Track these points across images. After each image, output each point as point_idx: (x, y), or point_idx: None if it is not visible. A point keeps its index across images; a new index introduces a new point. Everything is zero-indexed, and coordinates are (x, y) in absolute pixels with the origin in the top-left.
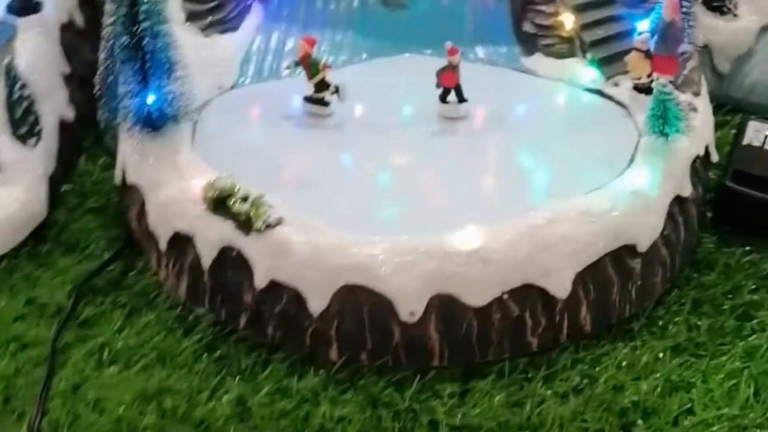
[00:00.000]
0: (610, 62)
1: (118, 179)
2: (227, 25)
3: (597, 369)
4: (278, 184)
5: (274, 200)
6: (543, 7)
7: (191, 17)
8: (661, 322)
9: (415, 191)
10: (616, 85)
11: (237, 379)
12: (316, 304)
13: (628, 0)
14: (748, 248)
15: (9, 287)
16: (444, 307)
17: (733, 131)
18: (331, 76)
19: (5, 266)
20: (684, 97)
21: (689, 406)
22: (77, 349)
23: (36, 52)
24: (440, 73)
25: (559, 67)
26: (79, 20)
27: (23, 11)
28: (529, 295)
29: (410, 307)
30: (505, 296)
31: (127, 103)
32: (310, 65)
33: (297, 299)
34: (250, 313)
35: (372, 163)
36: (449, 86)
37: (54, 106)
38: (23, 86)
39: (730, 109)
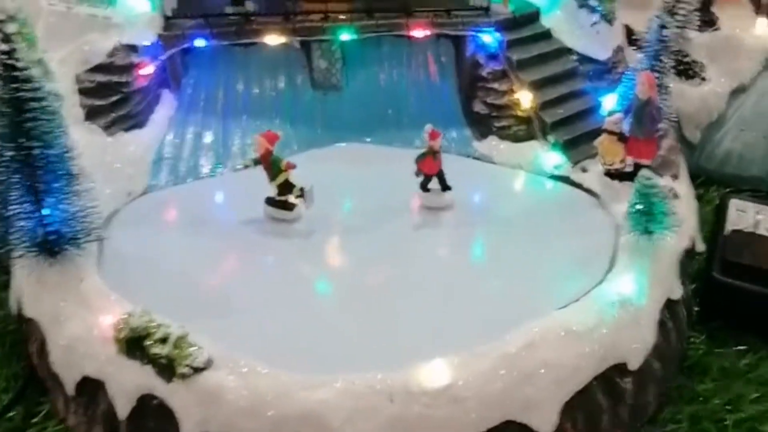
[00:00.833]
0: (576, 145)
1: (13, 310)
2: (134, 120)
3: None
4: (205, 312)
5: (201, 338)
6: (495, 85)
7: (92, 114)
8: None
9: (369, 314)
10: (584, 170)
11: None
12: None
13: (590, 72)
14: (742, 348)
15: None
16: None
17: (710, 208)
18: (294, 177)
19: None
20: (663, 182)
21: None
22: None
23: None
24: (420, 159)
25: (517, 151)
26: None
27: None
28: None
29: None
30: None
31: (19, 225)
32: (271, 164)
33: None
34: None
35: (316, 281)
36: (431, 173)
37: None
38: None
39: (703, 182)
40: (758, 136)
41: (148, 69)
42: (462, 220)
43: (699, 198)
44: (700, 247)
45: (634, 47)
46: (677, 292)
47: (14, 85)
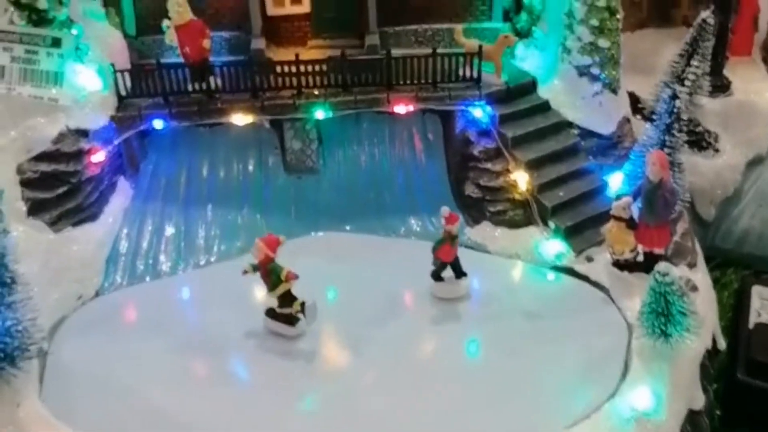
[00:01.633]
0: (579, 231)
1: None
2: (84, 213)
3: None
4: None
5: None
6: (488, 165)
7: (35, 209)
8: None
9: None
10: (589, 260)
11: None
12: None
13: (593, 148)
14: None
15: None
16: None
17: (728, 293)
18: (297, 290)
19: None
20: (677, 272)
21: None
22: None
23: None
24: (437, 247)
25: (515, 238)
26: None
27: None
28: None
29: None
30: None
31: None
32: (269, 272)
33: None
34: None
35: (298, 397)
36: (447, 260)
37: None
38: None
39: (719, 263)
40: None
41: (100, 155)
42: (456, 319)
43: (715, 281)
44: (722, 344)
45: (640, 116)
46: (699, 401)
47: None
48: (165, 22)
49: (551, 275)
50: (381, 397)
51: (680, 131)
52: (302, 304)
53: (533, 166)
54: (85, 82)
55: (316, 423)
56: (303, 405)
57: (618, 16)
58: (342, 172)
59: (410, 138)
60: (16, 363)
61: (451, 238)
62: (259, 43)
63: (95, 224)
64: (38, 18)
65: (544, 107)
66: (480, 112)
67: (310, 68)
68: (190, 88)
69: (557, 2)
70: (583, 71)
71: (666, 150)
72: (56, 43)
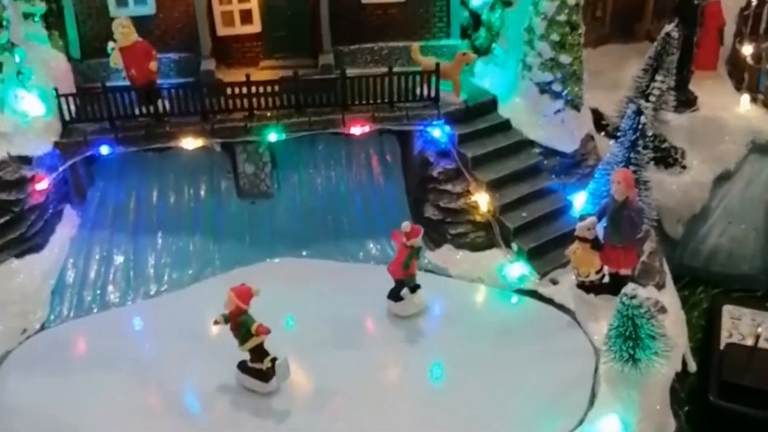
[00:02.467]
0: (543, 253)
1: None
2: (28, 243)
3: None
4: None
5: None
6: (448, 186)
7: None
8: None
9: None
10: (554, 282)
11: None
12: None
13: (555, 167)
14: None
15: None
16: None
17: (698, 312)
18: (269, 345)
19: None
20: (645, 293)
21: None
22: None
23: None
24: (410, 263)
25: (476, 261)
26: None
27: None
28: None
29: None
30: None
31: None
32: (240, 325)
33: None
34: None
35: None
36: (401, 277)
37: None
38: None
39: (688, 282)
40: (747, 228)
41: (44, 183)
42: (419, 344)
43: (684, 301)
44: (693, 367)
45: (604, 133)
46: (670, 427)
47: None
48: (110, 44)
49: (515, 298)
50: (346, 424)
51: (645, 148)
52: (273, 360)
53: (494, 186)
54: (28, 108)
55: None
56: None
57: (579, 31)
58: (298, 196)
59: (367, 160)
60: None
61: (415, 252)
62: (208, 65)
63: (40, 255)
64: None
65: (505, 126)
66: (439, 132)
67: (261, 89)
68: (137, 111)
69: (517, 18)
70: (544, 88)
71: (631, 167)
72: None
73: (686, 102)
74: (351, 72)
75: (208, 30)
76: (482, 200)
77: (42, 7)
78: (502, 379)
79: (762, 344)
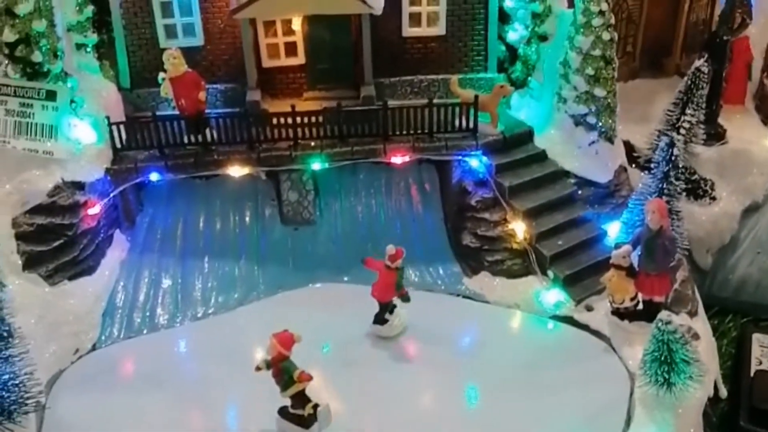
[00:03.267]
0: (578, 280)
1: None
2: (81, 266)
3: None
4: None
5: None
6: (485, 214)
7: (31, 262)
8: None
9: None
10: (589, 309)
11: None
12: None
13: (590, 197)
14: None
15: None
16: None
17: (727, 340)
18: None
19: None
20: (678, 320)
21: None
22: None
23: None
24: (401, 284)
25: (513, 288)
26: None
27: None
28: None
29: None
30: None
31: None
32: (282, 371)
33: None
34: None
35: None
36: (387, 300)
37: None
38: None
39: (717, 312)
40: None
41: (96, 208)
42: (454, 368)
43: (714, 329)
44: (724, 392)
45: (635, 165)
46: None
47: None
48: (161, 75)
49: (551, 325)
50: None
51: (678, 179)
52: (315, 407)
53: (531, 215)
54: (80, 135)
55: None
56: None
57: (614, 65)
58: (339, 224)
59: (407, 188)
60: (14, 418)
61: (402, 272)
62: (254, 95)
63: (91, 277)
64: (33, 71)
65: (541, 156)
66: (476, 162)
67: (306, 119)
68: (186, 140)
69: (552, 52)
70: (579, 120)
71: (664, 198)
72: (51, 96)
73: (715, 135)
74: (392, 103)
75: (254, 61)
76: (519, 228)
77: (94, 38)
78: (538, 403)
79: None
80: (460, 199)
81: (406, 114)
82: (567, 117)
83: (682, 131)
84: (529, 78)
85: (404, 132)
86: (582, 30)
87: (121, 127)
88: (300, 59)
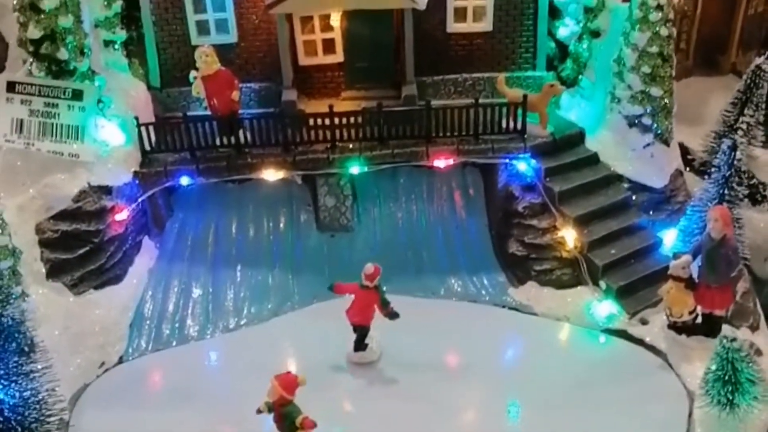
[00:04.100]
0: (632, 291)
1: None
2: (107, 275)
3: None
4: None
5: None
6: (533, 221)
7: (55, 271)
8: None
9: None
10: (643, 322)
11: None
12: None
13: (645, 203)
14: None
15: None
16: None
17: None
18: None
19: None
20: (739, 335)
21: None
22: None
23: None
24: (387, 303)
25: (562, 299)
26: None
27: None
28: None
29: None
30: None
31: None
32: (283, 417)
33: None
34: None
35: None
36: (367, 324)
37: None
38: None
39: None
40: None
41: (124, 213)
42: (496, 383)
43: None
44: None
45: (689, 168)
46: None
47: None
48: (192, 73)
49: (603, 338)
50: None
51: (740, 184)
52: None
53: (582, 222)
54: (108, 137)
55: None
56: None
57: (671, 63)
58: (378, 230)
59: (450, 193)
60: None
61: (383, 290)
62: (290, 95)
63: (118, 286)
64: (58, 69)
65: (593, 160)
66: (524, 165)
67: (344, 120)
68: (218, 142)
69: (605, 49)
70: (633, 121)
71: (725, 204)
72: (77, 95)
73: None
74: (435, 103)
75: (290, 59)
76: (569, 236)
77: (123, 34)
78: (586, 423)
79: None
80: (506, 204)
81: (449, 115)
82: (621, 118)
83: (740, 133)
84: (581, 76)
85: (448, 134)
86: (638, 25)
87: (151, 128)
88: (338, 57)
